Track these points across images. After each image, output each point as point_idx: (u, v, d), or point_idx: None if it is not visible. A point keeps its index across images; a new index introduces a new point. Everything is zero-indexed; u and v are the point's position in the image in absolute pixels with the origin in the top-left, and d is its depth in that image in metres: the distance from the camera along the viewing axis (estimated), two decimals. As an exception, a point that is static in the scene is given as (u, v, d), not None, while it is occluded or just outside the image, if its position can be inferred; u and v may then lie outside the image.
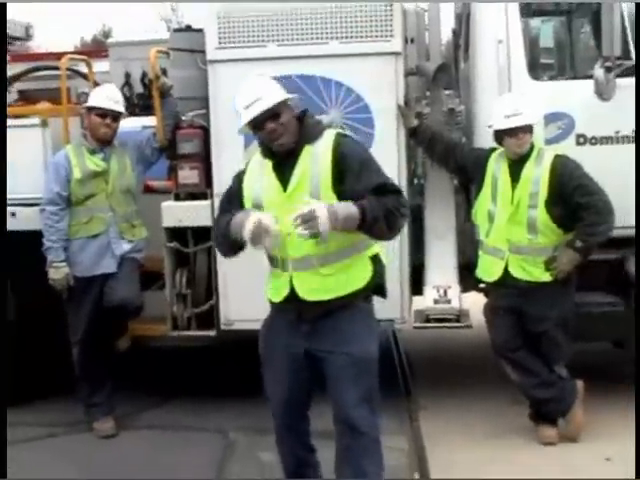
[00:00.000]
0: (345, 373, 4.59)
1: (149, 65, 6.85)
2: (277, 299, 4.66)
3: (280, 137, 4.44)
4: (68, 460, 6.25)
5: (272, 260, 4.65)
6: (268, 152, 4.58)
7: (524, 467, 5.74)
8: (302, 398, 4.83)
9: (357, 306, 4.65)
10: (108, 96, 6.59)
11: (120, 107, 6.62)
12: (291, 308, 4.61)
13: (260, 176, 4.60)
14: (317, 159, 4.48)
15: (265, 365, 4.85)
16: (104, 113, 6.52)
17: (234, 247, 4.65)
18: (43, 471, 6.06)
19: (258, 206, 4.54)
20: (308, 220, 4.20)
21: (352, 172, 4.45)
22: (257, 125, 4.47)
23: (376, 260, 4.68)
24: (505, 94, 6.36)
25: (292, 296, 4.56)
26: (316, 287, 4.54)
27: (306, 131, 4.57)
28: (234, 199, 4.73)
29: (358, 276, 4.62)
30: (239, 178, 4.74)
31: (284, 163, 4.53)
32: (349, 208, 4.28)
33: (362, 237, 4.52)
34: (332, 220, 4.22)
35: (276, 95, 4.48)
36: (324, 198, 4.40)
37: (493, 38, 6.56)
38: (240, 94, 4.57)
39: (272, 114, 4.42)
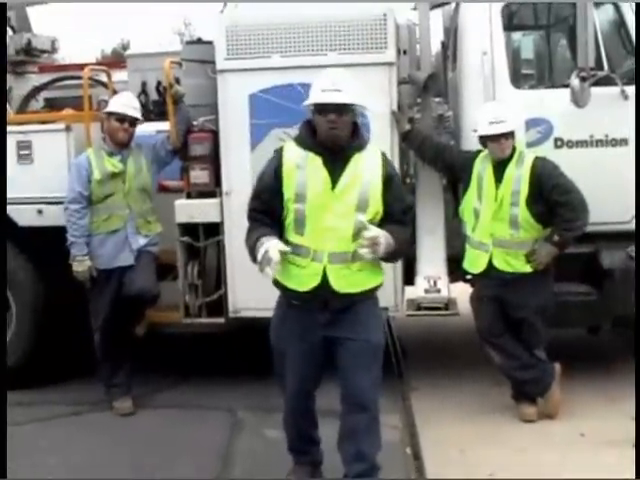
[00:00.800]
0: (362, 358, 4.64)
1: (163, 75, 6.82)
2: (302, 288, 4.57)
3: (337, 130, 4.43)
4: (90, 435, 6.27)
5: (296, 249, 4.54)
6: (314, 145, 4.53)
7: (507, 442, 5.75)
8: (314, 382, 4.85)
9: (373, 299, 4.76)
10: (126, 103, 6.59)
11: (137, 113, 6.62)
12: (317, 298, 4.56)
13: (304, 168, 4.52)
14: (370, 169, 4.56)
15: (278, 354, 4.82)
16: (122, 118, 6.52)
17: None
18: (68, 445, 6.08)
19: (301, 196, 4.50)
20: (374, 243, 4.36)
21: (394, 193, 4.62)
22: (322, 110, 4.43)
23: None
24: (489, 102, 6.36)
25: (322, 286, 4.53)
26: (349, 281, 4.57)
27: (358, 138, 4.61)
28: (267, 195, 4.62)
29: (377, 273, 4.73)
30: (275, 173, 4.58)
31: (334, 161, 4.51)
32: (390, 239, 4.45)
33: None
34: (386, 247, 4.40)
35: (353, 96, 4.46)
36: (371, 206, 4.52)
37: (478, 50, 6.56)
38: (323, 77, 4.52)
39: (341, 109, 4.42)
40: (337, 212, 4.48)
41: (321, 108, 4.44)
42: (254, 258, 4.49)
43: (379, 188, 4.54)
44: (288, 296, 4.70)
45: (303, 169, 4.52)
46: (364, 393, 4.67)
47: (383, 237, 4.40)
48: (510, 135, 5.93)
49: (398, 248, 4.54)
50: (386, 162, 4.66)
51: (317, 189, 4.49)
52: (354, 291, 4.59)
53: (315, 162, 4.51)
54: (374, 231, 4.39)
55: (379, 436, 4.79)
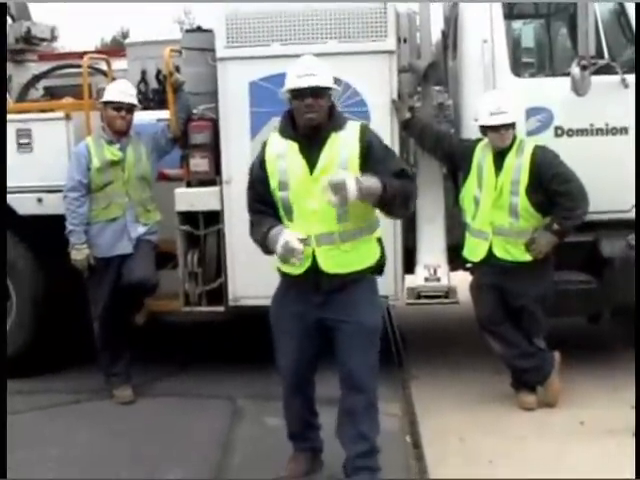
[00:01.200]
0: (356, 340, 4.69)
1: (163, 63, 6.82)
2: (295, 271, 4.66)
3: (313, 113, 4.49)
4: (91, 424, 6.28)
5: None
6: (293, 133, 4.61)
7: (507, 431, 5.76)
8: (310, 363, 4.92)
9: (367, 280, 4.79)
10: (121, 90, 6.58)
11: (133, 99, 6.61)
12: (309, 280, 4.65)
13: (284, 157, 4.62)
14: (345, 145, 4.57)
15: (277, 333, 4.90)
16: (119, 106, 6.51)
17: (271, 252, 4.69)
18: (68, 434, 6.08)
19: (284, 185, 4.60)
20: (339, 188, 4.31)
21: (377, 158, 4.59)
22: (299, 95, 4.50)
23: (380, 242, 4.83)
24: (489, 91, 6.33)
25: (313, 269, 4.61)
26: (337, 261, 4.63)
27: (334, 120, 4.65)
28: (259, 186, 4.74)
29: (370, 254, 4.75)
30: (261, 165, 4.71)
31: (310, 146, 4.57)
32: (373, 181, 4.39)
33: (374, 219, 4.73)
34: (358, 189, 4.33)
35: (328, 79, 4.57)
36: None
37: (479, 38, 6.54)
38: (297, 64, 4.61)
39: (317, 92, 4.49)
40: (319, 195, 4.50)
41: (297, 94, 4.52)
42: (266, 249, 4.68)
43: (357, 162, 4.54)
44: (285, 281, 4.83)
45: (284, 158, 4.63)
46: (360, 375, 4.72)
47: (351, 178, 4.32)
48: (511, 126, 5.92)
49: (392, 195, 4.44)
50: (364, 133, 4.63)
51: (297, 175, 4.59)
52: (343, 271, 4.64)
53: (293, 149, 4.61)
54: (338, 176, 4.37)
55: (377, 420, 4.86)
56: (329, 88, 4.59)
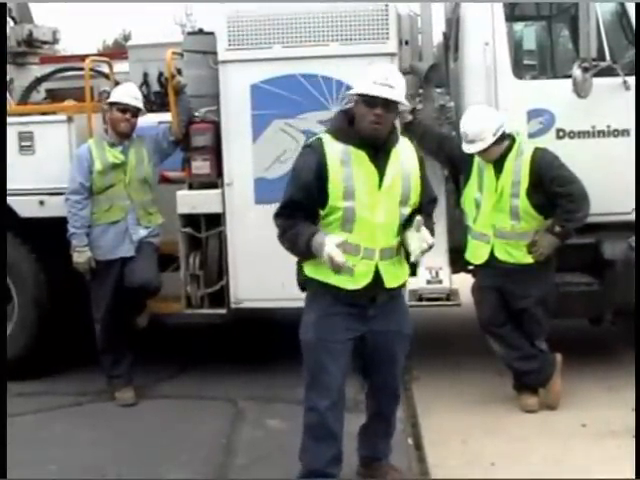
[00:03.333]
0: (397, 349, 4.80)
1: (165, 65, 6.82)
2: (353, 286, 4.47)
3: (380, 125, 4.33)
4: (92, 426, 6.28)
5: (346, 248, 4.36)
6: (358, 140, 4.40)
7: (509, 433, 5.76)
8: (346, 379, 4.74)
9: (402, 290, 4.89)
10: (128, 93, 6.60)
11: (139, 103, 6.63)
12: (366, 295, 4.53)
13: (349, 164, 4.38)
14: (408, 161, 4.55)
15: (319, 351, 4.58)
16: (125, 108, 6.52)
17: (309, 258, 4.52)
18: (70, 436, 6.09)
19: (349, 193, 4.37)
20: (426, 251, 4.47)
21: (424, 179, 4.64)
22: (370, 102, 4.30)
23: None
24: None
25: (374, 283, 4.50)
26: (395, 275, 4.63)
27: (394, 134, 4.56)
28: (304, 191, 4.42)
29: (407, 266, 4.75)
30: (318, 169, 4.37)
31: (377, 156, 4.42)
32: (429, 238, 4.47)
33: None
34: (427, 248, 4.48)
35: (403, 95, 4.41)
36: (412, 199, 4.55)
37: (480, 40, 6.54)
38: (376, 69, 4.44)
39: (389, 105, 4.33)
40: (386, 208, 4.44)
41: (369, 100, 4.31)
42: (302, 254, 4.51)
43: (417, 177, 4.57)
44: (330, 294, 4.55)
45: (348, 165, 4.38)
46: (398, 382, 4.94)
47: (431, 241, 4.47)
48: (492, 145, 5.90)
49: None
50: (417, 150, 4.69)
51: (366, 186, 4.40)
52: (398, 284, 4.67)
53: (360, 157, 4.40)
54: (430, 237, 4.46)
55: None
56: (401, 103, 4.43)
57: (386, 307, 4.64)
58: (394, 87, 4.33)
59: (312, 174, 4.39)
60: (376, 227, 4.45)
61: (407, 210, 4.54)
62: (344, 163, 4.38)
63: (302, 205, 4.45)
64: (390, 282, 4.56)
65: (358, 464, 5.10)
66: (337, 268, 4.27)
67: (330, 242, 4.26)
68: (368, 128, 4.35)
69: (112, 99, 6.59)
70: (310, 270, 4.58)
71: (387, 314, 4.65)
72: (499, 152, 5.94)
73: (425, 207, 4.68)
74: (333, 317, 4.57)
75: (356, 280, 4.48)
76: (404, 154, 4.54)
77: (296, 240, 4.44)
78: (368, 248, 4.46)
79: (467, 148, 5.98)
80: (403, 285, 4.79)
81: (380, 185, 4.42)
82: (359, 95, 4.37)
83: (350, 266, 4.37)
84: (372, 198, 4.41)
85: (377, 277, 4.50)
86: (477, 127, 5.94)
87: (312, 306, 4.66)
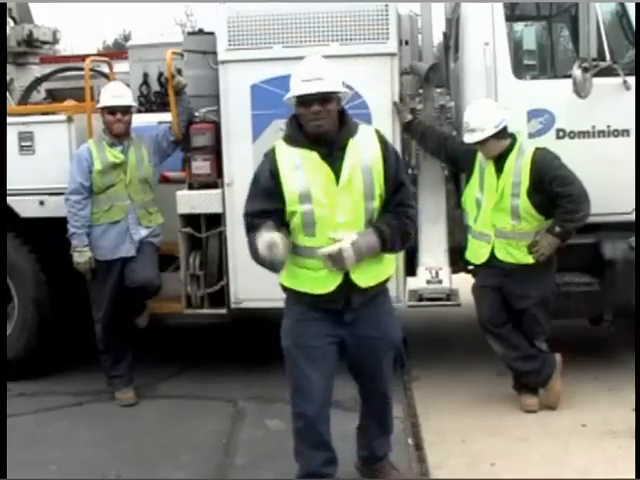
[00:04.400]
0: (386, 354, 4.74)
1: (165, 65, 6.82)
2: (322, 290, 4.41)
3: (321, 120, 4.25)
4: (93, 426, 6.28)
5: (308, 251, 4.38)
6: (307, 141, 4.33)
7: (509, 433, 5.76)
8: (333, 381, 4.69)
9: (386, 291, 4.74)
10: (114, 94, 6.59)
11: (125, 100, 6.61)
12: (339, 298, 4.44)
13: (301, 167, 4.32)
14: (366, 150, 4.39)
15: (297, 358, 4.55)
16: (113, 110, 6.52)
17: (272, 268, 4.40)
18: (71, 436, 6.09)
19: (305, 196, 4.31)
20: (336, 259, 4.22)
21: (391, 163, 4.44)
22: (305, 101, 4.24)
23: None
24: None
25: (344, 285, 4.39)
26: (369, 274, 4.47)
27: (348, 125, 4.42)
28: (264, 199, 4.38)
29: (389, 262, 4.66)
30: (272, 176, 4.35)
31: (330, 154, 4.33)
32: (371, 241, 4.32)
33: None
34: (357, 256, 4.25)
35: (336, 83, 4.31)
36: (377, 190, 4.39)
37: (480, 41, 6.53)
38: (302, 67, 4.36)
39: (324, 98, 4.23)
40: (346, 206, 4.34)
41: (303, 100, 4.26)
42: (256, 256, 4.30)
43: (380, 166, 4.40)
44: (304, 301, 4.51)
45: (300, 168, 4.33)
46: (387, 385, 4.87)
47: (349, 249, 4.22)
48: (486, 140, 5.91)
49: (392, 243, 4.43)
50: (380, 136, 4.51)
51: (321, 186, 4.32)
52: (374, 283, 4.51)
53: (312, 158, 4.33)
54: (336, 244, 4.24)
55: (392, 408, 5.07)
56: (337, 92, 4.33)
57: (366, 310, 4.53)
58: (323, 78, 4.25)
59: (268, 180, 4.38)
60: (339, 227, 4.34)
61: (375, 203, 4.42)
62: (296, 167, 4.34)
63: (262, 212, 4.37)
64: (363, 281, 4.44)
65: (359, 463, 5.10)
66: (271, 262, 4.21)
67: (261, 238, 4.17)
68: (311, 127, 4.29)
69: (100, 104, 6.59)
70: (283, 277, 4.57)
71: (368, 318, 4.54)
72: (499, 149, 5.94)
73: (393, 199, 4.47)
74: (308, 323, 4.52)
75: (325, 284, 4.41)
76: (363, 145, 4.40)
77: (251, 246, 4.36)
78: None
79: (467, 138, 5.98)
80: (383, 283, 4.61)
81: (337, 183, 4.33)
82: (293, 97, 4.33)
83: (280, 258, 4.20)
84: (330, 198, 4.33)
85: (347, 278, 4.40)
86: (479, 117, 5.95)
87: (288, 313, 4.64)
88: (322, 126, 4.28)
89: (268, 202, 4.38)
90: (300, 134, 4.38)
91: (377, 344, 4.63)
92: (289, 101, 4.42)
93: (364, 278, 4.45)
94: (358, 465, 5.12)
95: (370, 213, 4.42)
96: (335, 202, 4.33)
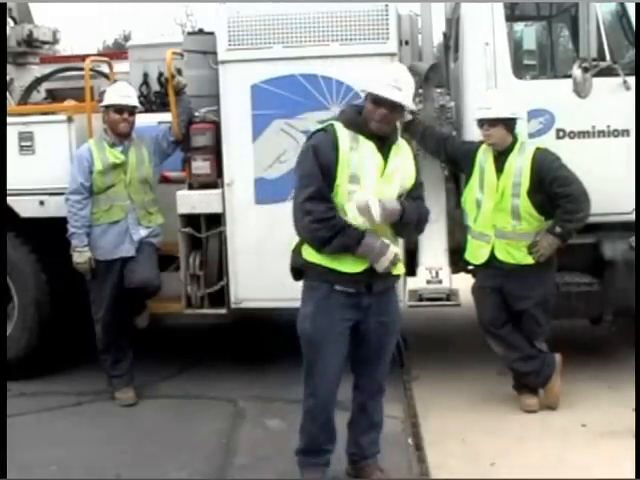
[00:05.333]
0: (392, 341, 4.95)
1: (165, 65, 6.82)
2: (352, 269, 4.63)
3: (384, 124, 4.58)
4: (93, 425, 6.28)
5: None
6: (367, 130, 4.61)
7: (509, 433, 5.76)
8: (344, 364, 4.90)
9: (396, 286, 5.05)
10: (122, 94, 6.60)
11: (134, 101, 6.64)
12: (362, 280, 4.67)
13: (357, 150, 4.60)
14: (406, 157, 4.78)
15: (315, 341, 4.74)
16: (121, 109, 6.53)
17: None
18: (71, 435, 6.09)
19: (355, 178, 4.58)
20: (365, 210, 4.49)
21: (417, 170, 4.87)
22: (379, 102, 4.53)
23: None
24: (491, 89, 6.34)
25: (371, 268, 4.64)
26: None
27: (396, 132, 4.82)
28: (328, 171, 4.56)
29: (401, 262, 4.89)
30: (334, 146, 4.58)
31: (382, 147, 4.65)
32: (393, 204, 4.61)
33: None
34: (382, 210, 4.51)
35: (410, 99, 4.65)
36: (408, 189, 4.75)
37: (480, 41, 6.53)
38: (387, 70, 4.72)
39: (394, 107, 4.56)
40: (385, 195, 4.61)
41: (377, 100, 4.55)
42: (346, 248, 4.58)
43: (413, 172, 4.79)
44: (329, 279, 4.68)
45: (356, 151, 4.60)
46: (384, 375, 5.02)
47: (376, 202, 4.50)
48: (495, 123, 5.91)
49: (409, 218, 4.70)
50: (414, 152, 4.97)
51: (371, 172, 4.61)
52: (396, 273, 4.82)
53: (368, 146, 4.63)
54: (363, 198, 4.52)
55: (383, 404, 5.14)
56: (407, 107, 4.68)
57: (381, 298, 4.79)
58: (402, 90, 4.56)
59: (330, 154, 4.58)
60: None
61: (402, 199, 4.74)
62: (352, 149, 4.59)
63: (324, 185, 4.58)
64: (392, 269, 4.72)
65: (347, 463, 5.13)
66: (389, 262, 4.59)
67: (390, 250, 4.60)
68: (373, 125, 4.59)
69: (106, 102, 6.59)
70: (310, 255, 4.71)
71: (381, 305, 4.79)
72: (503, 141, 5.95)
73: (411, 194, 4.80)
74: (329, 308, 4.70)
75: (356, 264, 4.63)
76: (403, 151, 4.80)
77: (342, 233, 4.55)
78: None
79: (482, 113, 5.97)
80: (398, 277, 4.95)
81: (382, 173, 4.64)
82: (370, 93, 4.59)
83: (377, 220, 4.53)
84: (375, 185, 4.61)
85: (372, 265, 4.65)
86: (499, 99, 6.02)
87: (308, 298, 4.79)
88: (384, 130, 4.63)
89: (326, 178, 4.58)
90: (362, 122, 4.64)
91: (386, 329, 4.84)
92: (362, 92, 4.75)
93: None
94: (346, 465, 5.13)
95: None
96: (378, 190, 4.61)
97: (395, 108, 4.57)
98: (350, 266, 4.63)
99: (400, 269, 4.84)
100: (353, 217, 4.54)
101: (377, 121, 4.57)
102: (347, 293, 4.69)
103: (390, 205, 4.57)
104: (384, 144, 4.66)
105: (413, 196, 4.78)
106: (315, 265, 4.70)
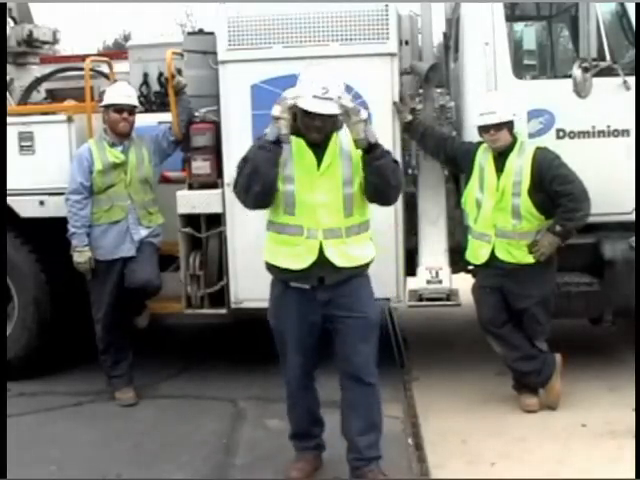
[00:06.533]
0: (360, 333, 4.82)
1: (165, 65, 6.82)
2: (298, 266, 4.69)
3: (320, 134, 4.61)
4: (93, 426, 6.28)
5: (288, 228, 4.73)
6: (299, 131, 4.67)
7: (509, 433, 5.76)
8: (313, 358, 5.00)
9: (366, 276, 4.93)
10: (122, 93, 6.62)
11: (133, 100, 6.65)
12: (312, 275, 4.71)
13: (289, 152, 4.68)
14: (348, 142, 4.67)
15: (280, 334, 4.94)
16: (121, 108, 6.53)
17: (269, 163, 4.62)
18: (70, 436, 6.09)
19: (289, 179, 4.68)
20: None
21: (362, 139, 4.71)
22: (310, 114, 4.53)
23: (371, 240, 4.97)
24: (490, 92, 6.35)
25: (319, 262, 4.67)
26: (345, 255, 4.73)
27: (334, 120, 4.66)
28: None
29: (369, 249, 4.90)
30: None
31: (317, 144, 4.67)
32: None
33: (369, 216, 4.87)
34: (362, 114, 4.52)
35: (342, 104, 4.52)
36: (357, 177, 4.71)
37: (480, 41, 6.53)
38: (312, 79, 4.56)
39: (329, 117, 4.54)
40: (326, 189, 4.67)
41: (306, 112, 4.54)
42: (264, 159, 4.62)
43: (359, 160, 4.68)
44: (282, 277, 4.83)
45: (288, 152, 4.69)
46: (367, 368, 4.88)
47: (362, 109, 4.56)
48: (501, 127, 5.91)
49: (381, 153, 4.61)
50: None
51: (304, 170, 4.68)
52: (350, 265, 4.76)
53: (298, 144, 4.68)
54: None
55: (380, 404, 5.02)
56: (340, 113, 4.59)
57: (341, 290, 4.76)
58: (332, 98, 4.49)
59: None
60: (317, 207, 4.68)
61: (353, 189, 4.73)
62: (287, 152, 4.69)
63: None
64: (339, 261, 4.70)
65: (349, 473, 5.03)
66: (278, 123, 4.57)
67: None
68: (310, 136, 4.64)
69: (107, 101, 6.59)
70: (266, 255, 4.87)
71: (346, 299, 4.77)
72: (506, 142, 5.95)
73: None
74: (285, 304, 4.86)
75: (301, 259, 4.69)
76: (344, 135, 4.72)
77: (251, 157, 4.70)
78: (311, 229, 4.68)
79: (486, 119, 5.93)
80: (360, 268, 4.83)
81: (318, 167, 4.67)
82: (299, 108, 4.56)
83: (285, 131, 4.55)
84: (311, 181, 4.68)
85: (322, 256, 4.68)
86: (500, 102, 6.01)
87: (270, 294, 5.00)
88: (319, 139, 4.66)
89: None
90: (294, 124, 4.67)
91: (352, 323, 4.79)
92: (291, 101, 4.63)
93: (340, 258, 4.72)
94: (349, 473, 5.03)
95: (349, 199, 4.73)
96: (315, 185, 4.67)
97: (329, 117, 4.55)
98: (292, 262, 4.71)
99: (355, 260, 4.77)
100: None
101: (312, 132, 4.60)
102: (301, 289, 4.77)
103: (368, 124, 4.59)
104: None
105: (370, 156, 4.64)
106: (269, 264, 4.87)
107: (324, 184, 4.66)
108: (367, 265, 4.89)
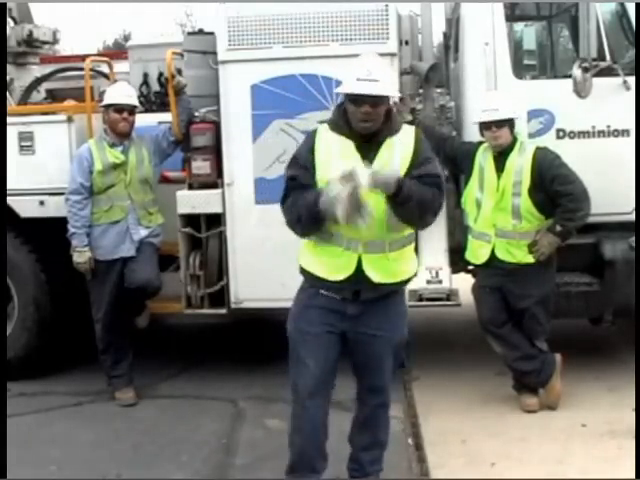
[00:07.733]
0: (385, 355, 4.57)
1: (165, 65, 6.82)
2: (334, 277, 4.37)
3: (370, 122, 4.21)
4: (93, 426, 6.28)
5: (329, 237, 4.35)
6: (347, 130, 4.30)
7: (509, 433, 5.76)
8: (332, 373, 4.59)
9: (402, 292, 4.66)
10: (122, 93, 6.62)
11: (134, 100, 6.65)
12: (347, 288, 4.39)
13: (338, 155, 4.28)
14: (400, 150, 4.32)
15: (295, 342, 4.55)
16: (121, 108, 6.53)
17: (317, 222, 4.24)
18: (70, 436, 6.08)
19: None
20: (348, 178, 4.01)
21: (419, 161, 4.34)
22: (356, 100, 4.18)
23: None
24: (491, 90, 6.35)
25: (356, 276, 4.34)
26: (386, 271, 4.39)
27: (391, 124, 4.36)
28: (305, 173, 4.34)
29: (411, 264, 4.57)
30: (310, 153, 4.35)
31: (366, 147, 4.29)
32: (388, 175, 4.12)
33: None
34: (371, 176, 4.04)
35: (390, 86, 4.29)
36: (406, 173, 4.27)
37: (480, 41, 6.54)
38: (358, 64, 4.27)
39: (376, 100, 4.16)
40: (372, 199, 4.16)
41: (355, 98, 4.19)
42: (311, 215, 4.20)
43: (407, 162, 4.32)
44: (317, 285, 4.47)
45: (336, 155, 4.30)
46: (386, 389, 4.68)
47: (364, 170, 4.06)
48: (503, 124, 5.92)
49: (407, 194, 4.14)
50: (419, 137, 4.43)
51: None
52: (390, 282, 4.43)
53: (348, 147, 4.31)
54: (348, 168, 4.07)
55: (389, 422, 4.88)
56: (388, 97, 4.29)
57: (374, 308, 4.45)
58: (379, 80, 4.17)
59: (306, 160, 4.36)
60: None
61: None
62: (332, 153, 4.31)
63: (302, 183, 4.34)
64: (377, 277, 4.36)
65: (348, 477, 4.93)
66: (351, 212, 4.02)
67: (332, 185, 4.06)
68: (359, 127, 4.25)
69: (107, 101, 6.59)
70: (302, 260, 4.54)
71: (375, 316, 4.46)
72: (507, 141, 5.96)
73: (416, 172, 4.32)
74: (311, 309, 4.49)
75: (337, 271, 4.37)
76: (400, 143, 4.35)
77: (302, 203, 4.27)
78: (351, 239, 4.31)
79: (489, 115, 5.93)
80: (400, 284, 4.54)
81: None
82: (345, 94, 4.28)
83: (368, 210, 4.05)
84: None
85: (360, 270, 4.34)
86: (502, 100, 6.01)
87: (296, 299, 4.62)
88: (370, 128, 4.26)
89: (307, 174, 4.34)
90: (344, 122, 4.33)
91: (381, 343, 4.52)
92: (340, 93, 4.36)
93: (378, 273, 4.38)
94: None
95: (390, 214, 4.29)
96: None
97: (377, 102, 4.17)
98: (328, 272, 4.39)
99: (396, 275, 4.45)
100: (330, 189, 4.06)
101: (361, 121, 4.20)
102: (331, 298, 4.43)
103: (384, 172, 4.12)
104: (371, 142, 4.29)
105: (414, 174, 4.28)
106: (304, 270, 4.54)
107: (368, 195, 4.11)
108: (407, 281, 4.58)
